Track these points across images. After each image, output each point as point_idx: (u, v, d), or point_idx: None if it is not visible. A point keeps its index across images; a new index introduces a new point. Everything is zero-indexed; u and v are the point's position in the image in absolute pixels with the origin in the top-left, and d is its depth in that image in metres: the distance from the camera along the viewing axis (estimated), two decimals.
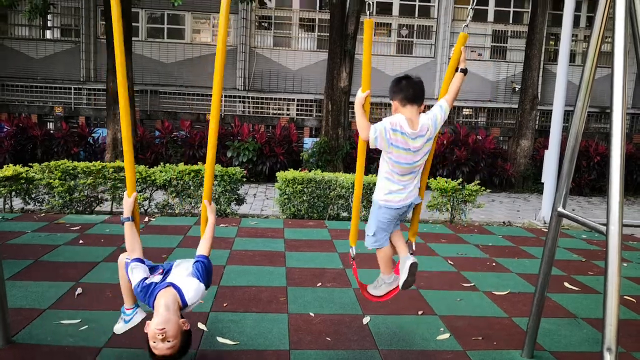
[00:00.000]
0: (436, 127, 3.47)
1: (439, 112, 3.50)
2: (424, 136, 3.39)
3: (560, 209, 3.70)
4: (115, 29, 3.36)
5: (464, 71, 3.60)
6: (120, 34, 3.36)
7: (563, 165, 3.72)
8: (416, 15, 20.43)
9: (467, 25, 3.60)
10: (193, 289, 2.91)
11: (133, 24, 17.28)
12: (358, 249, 3.90)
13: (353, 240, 3.90)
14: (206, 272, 3.00)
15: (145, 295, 2.92)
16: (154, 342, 2.70)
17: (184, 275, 3.00)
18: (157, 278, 3.04)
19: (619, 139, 2.76)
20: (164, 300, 2.81)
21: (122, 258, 3.30)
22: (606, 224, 2.87)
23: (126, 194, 3.36)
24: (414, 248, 3.94)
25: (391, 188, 3.51)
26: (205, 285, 2.99)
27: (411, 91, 3.37)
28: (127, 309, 3.51)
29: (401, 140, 3.33)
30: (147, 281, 2.98)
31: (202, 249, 3.12)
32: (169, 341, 2.70)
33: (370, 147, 3.37)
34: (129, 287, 3.30)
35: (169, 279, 3.00)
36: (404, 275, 3.67)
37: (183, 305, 2.89)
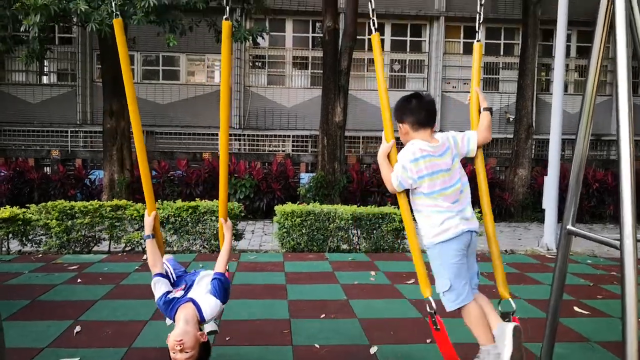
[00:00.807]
0: (456, 144, 3.13)
1: (459, 134, 3.19)
2: (449, 150, 3.07)
3: (569, 226, 3.62)
4: (122, 62, 3.39)
5: (489, 109, 3.31)
6: (128, 65, 3.42)
7: (570, 183, 3.66)
8: (408, 50, 20.72)
9: (478, 38, 3.43)
10: (210, 306, 3.06)
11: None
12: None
13: (426, 288, 3.10)
14: (223, 289, 3.14)
15: (167, 308, 3.11)
16: (174, 352, 2.84)
17: (203, 292, 3.16)
18: (179, 293, 3.21)
19: (627, 148, 2.72)
20: (184, 315, 2.98)
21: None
22: (620, 238, 2.80)
23: (146, 212, 3.51)
24: (514, 307, 3.17)
25: (443, 218, 2.98)
26: (221, 302, 3.14)
27: (423, 114, 3.08)
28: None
29: (429, 164, 2.98)
30: (170, 296, 3.17)
31: (219, 266, 3.25)
32: (186, 352, 2.83)
33: (398, 191, 3.07)
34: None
35: (189, 295, 3.16)
36: (508, 350, 2.87)
37: (201, 320, 3.03)
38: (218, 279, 3.15)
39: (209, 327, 3.32)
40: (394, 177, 3.04)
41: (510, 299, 3.19)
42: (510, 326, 2.92)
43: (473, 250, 3.14)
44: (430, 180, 2.99)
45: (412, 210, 3.16)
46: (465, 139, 3.17)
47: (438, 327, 3.04)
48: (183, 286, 3.33)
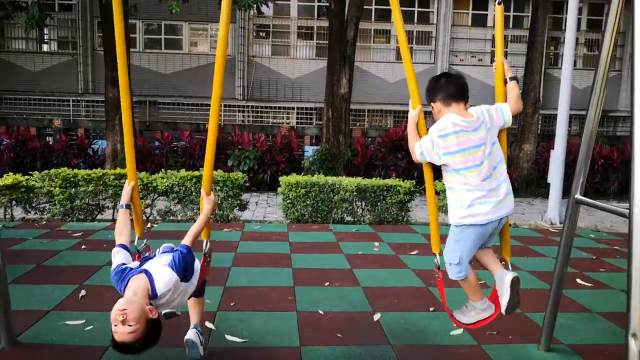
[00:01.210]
0: (491, 118, 3.00)
1: (492, 107, 3.06)
2: (483, 124, 2.94)
3: (578, 195, 3.60)
4: (117, 30, 3.24)
5: (514, 78, 3.19)
6: (122, 31, 3.25)
7: (580, 152, 3.63)
8: (415, 21, 20.44)
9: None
10: (163, 280, 2.72)
11: (130, 35, 17.30)
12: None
13: (436, 247, 3.20)
14: (184, 263, 2.79)
15: (119, 279, 2.78)
16: (115, 324, 2.51)
17: (160, 264, 2.84)
18: (134, 264, 2.92)
19: None
20: (134, 285, 2.68)
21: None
22: (629, 207, 2.77)
23: (126, 182, 3.27)
24: (510, 268, 3.24)
25: (473, 197, 2.91)
26: (178, 276, 2.78)
27: (453, 87, 2.98)
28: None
29: (462, 139, 2.88)
30: (123, 266, 2.85)
31: (187, 238, 2.92)
32: (130, 325, 2.50)
33: (421, 162, 3.01)
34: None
35: (145, 266, 2.85)
36: (505, 295, 3.00)
37: (153, 295, 2.69)
38: (180, 252, 2.81)
39: (166, 309, 3.01)
40: (417, 147, 2.97)
41: (507, 261, 3.26)
42: (509, 275, 3.01)
43: (496, 232, 3.14)
44: (462, 157, 2.89)
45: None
46: (499, 111, 3.05)
47: (438, 277, 3.22)
48: (137, 256, 3.09)
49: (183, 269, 2.78)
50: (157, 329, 2.68)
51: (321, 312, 4.57)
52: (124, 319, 2.48)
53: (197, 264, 3.10)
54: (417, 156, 3.00)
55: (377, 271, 5.94)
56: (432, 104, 3.05)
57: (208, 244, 3.19)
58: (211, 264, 3.26)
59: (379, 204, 9.21)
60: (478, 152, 2.90)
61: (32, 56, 19.47)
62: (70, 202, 8.77)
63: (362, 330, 4.19)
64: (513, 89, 3.14)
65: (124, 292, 2.70)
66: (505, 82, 3.18)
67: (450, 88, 2.98)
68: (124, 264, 2.87)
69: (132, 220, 3.38)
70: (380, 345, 3.92)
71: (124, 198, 3.23)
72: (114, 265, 2.86)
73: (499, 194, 2.95)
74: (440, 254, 3.19)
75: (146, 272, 2.75)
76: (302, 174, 10.49)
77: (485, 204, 2.91)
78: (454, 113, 2.94)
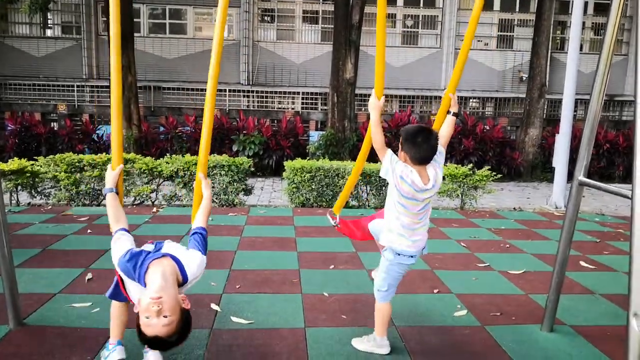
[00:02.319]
0: (438, 181, 3.23)
1: (441, 160, 3.30)
2: (433, 189, 3.19)
3: (581, 177, 3.59)
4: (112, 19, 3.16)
5: (456, 115, 3.59)
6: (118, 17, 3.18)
7: (584, 134, 3.62)
8: (421, 5, 20.27)
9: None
10: (195, 263, 2.51)
11: (134, 19, 17.22)
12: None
13: (337, 208, 4.06)
14: (206, 244, 2.66)
15: (135, 265, 2.43)
16: (148, 316, 2.21)
17: (182, 248, 2.65)
18: (149, 247, 2.67)
19: None
20: (162, 269, 2.38)
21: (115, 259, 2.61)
22: (632, 189, 2.76)
23: (110, 166, 3.05)
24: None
25: (401, 232, 3.28)
26: (204, 255, 2.62)
27: (425, 154, 3.09)
28: (110, 344, 3.13)
29: (412, 192, 3.14)
30: (138, 250, 2.56)
31: (200, 221, 2.77)
32: (165, 316, 2.21)
33: (385, 167, 3.19)
34: (118, 316, 3.05)
35: (163, 251, 2.60)
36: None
37: (183, 280, 2.46)
38: (200, 234, 2.67)
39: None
40: (387, 160, 3.16)
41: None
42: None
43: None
44: (406, 201, 3.20)
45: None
46: (442, 167, 3.32)
47: (339, 225, 4.08)
48: (150, 241, 2.86)
49: (206, 249, 2.64)
50: (190, 320, 2.39)
51: (326, 294, 4.60)
52: (159, 309, 2.20)
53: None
54: (382, 168, 3.21)
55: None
56: (402, 150, 3.18)
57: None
58: (217, 247, 3.25)
59: (383, 188, 9.21)
60: (418, 206, 3.23)
61: (36, 41, 19.42)
62: (75, 187, 8.81)
63: (366, 311, 4.20)
64: (451, 124, 3.57)
65: (143, 279, 2.39)
66: (450, 114, 3.58)
67: (423, 153, 3.09)
68: (133, 249, 2.57)
69: None
70: None
71: (110, 182, 2.96)
72: (121, 251, 2.53)
73: (420, 233, 3.34)
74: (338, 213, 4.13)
75: (171, 256, 2.49)
76: (307, 158, 10.50)
77: (408, 240, 3.30)
78: (416, 172, 3.13)
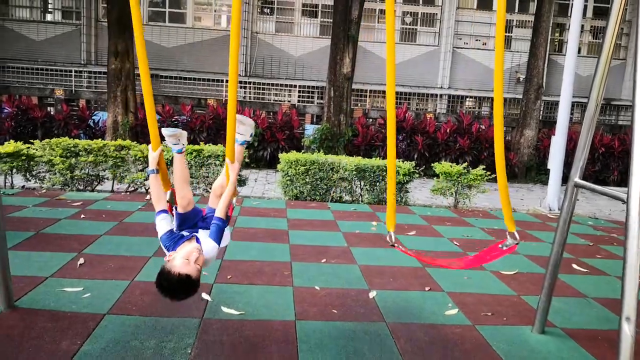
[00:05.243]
0: None
1: None
2: None
3: (577, 179, 3.60)
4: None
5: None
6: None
7: (581, 136, 3.63)
8: (420, 2, 20.25)
9: None
10: (209, 248, 2.96)
11: None
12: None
13: (391, 224, 3.35)
14: (221, 235, 3.03)
15: (171, 241, 2.97)
16: (187, 259, 2.75)
17: (205, 235, 3.06)
18: (185, 233, 3.10)
19: None
20: (193, 243, 2.91)
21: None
22: (627, 192, 2.78)
23: (151, 148, 3.23)
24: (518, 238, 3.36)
25: None
26: (219, 245, 3.03)
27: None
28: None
29: None
30: (178, 232, 3.08)
31: (220, 210, 3.05)
32: (197, 265, 2.76)
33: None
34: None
35: (194, 234, 3.07)
36: None
37: None
38: (217, 225, 3.01)
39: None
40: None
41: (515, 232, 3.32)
42: None
43: None
44: None
45: None
46: None
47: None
48: (170, 208, 3.27)
49: (221, 239, 3.02)
50: (196, 287, 2.83)
51: (317, 287, 4.60)
52: (198, 256, 2.77)
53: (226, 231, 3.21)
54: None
55: (374, 250, 5.97)
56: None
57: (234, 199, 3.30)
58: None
59: (377, 184, 9.22)
60: None
61: (36, 25, 19.29)
62: (70, 172, 8.77)
63: (357, 306, 4.22)
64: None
65: (173, 249, 2.90)
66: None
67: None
68: (173, 229, 3.08)
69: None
70: (375, 322, 3.95)
71: (152, 164, 3.20)
72: (163, 231, 3.02)
73: None
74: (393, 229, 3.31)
75: (197, 239, 2.98)
76: (302, 151, 10.50)
77: None
78: None
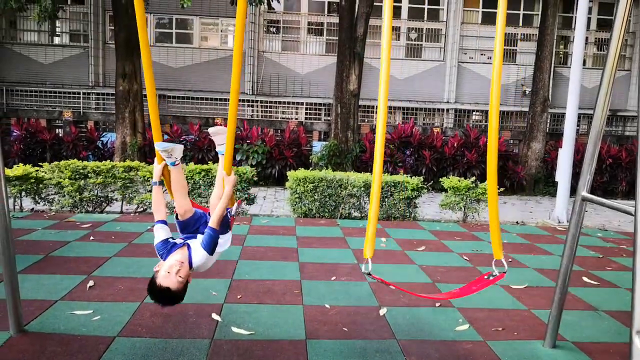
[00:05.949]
0: None
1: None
2: None
3: (584, 193, 3.59)
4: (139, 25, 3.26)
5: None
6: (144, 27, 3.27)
7: (587, 150, 3.63)
8: (425, 18, 20.36)
9: None
10: (199, 256, 3.07)
11: None
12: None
13: (370, 250, 3.09)
14: (212, 244, 3.11)
15: (165, 249, 3.10)
16: (169, 272, 2.90)
17: (198, 243, 3.16)
18: (178, 241, 3.23)
19: None
20: (181, 253, 3.06)
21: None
22: (635, 205, 2.76)
23: (156, 161, 3.36)
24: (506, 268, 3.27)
25: None
26: (209, 254, 3.10)
27: None
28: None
29: None
30: (172, 240, 3.18)
31: (213, 220, 3.14)
32: (180, 277, 2.91)
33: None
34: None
35: (188, 241, 3.19)
36: None
37: (189, 264, 3.06)
38: (209, 234, 3.10)
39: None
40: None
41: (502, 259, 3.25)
42: None
43: None
44: None
45: None
46: None
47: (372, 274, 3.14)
48: (182, 237, 3.34)
49: (212, 248, 3.11)
50: (183, 295, 3.02)
51: (327, 306, 4.59)
52: (179, 269, 2.92)
53: (223, 237, 3.32)
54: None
55: (384, 266, 5.95)
56: None
57: (234, 208, 3.47)
58: (219, 257, 3.31)
59: (386, 199, 9.21)
60: None
61: (44, 48, 19.53)
62: (79, 194, 8.83)
63: (367, 324, 4.21)
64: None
65: (165, 258, 3.05)
66: None
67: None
68: (168, 239, 3.18)
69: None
70: (385, 339, 3.94)
71: (156, 176, 3.35)
72: (158, 239, 3.15)
73: None
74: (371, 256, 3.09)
75: (188, 246, 3.12)
76: (310, 169, 10.52)
77: None
78: None
